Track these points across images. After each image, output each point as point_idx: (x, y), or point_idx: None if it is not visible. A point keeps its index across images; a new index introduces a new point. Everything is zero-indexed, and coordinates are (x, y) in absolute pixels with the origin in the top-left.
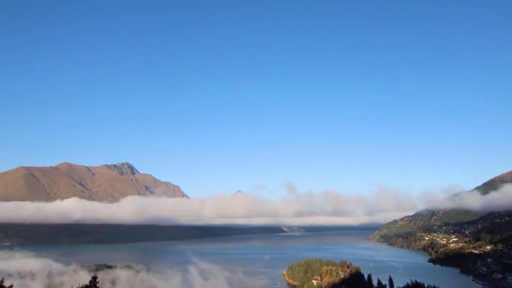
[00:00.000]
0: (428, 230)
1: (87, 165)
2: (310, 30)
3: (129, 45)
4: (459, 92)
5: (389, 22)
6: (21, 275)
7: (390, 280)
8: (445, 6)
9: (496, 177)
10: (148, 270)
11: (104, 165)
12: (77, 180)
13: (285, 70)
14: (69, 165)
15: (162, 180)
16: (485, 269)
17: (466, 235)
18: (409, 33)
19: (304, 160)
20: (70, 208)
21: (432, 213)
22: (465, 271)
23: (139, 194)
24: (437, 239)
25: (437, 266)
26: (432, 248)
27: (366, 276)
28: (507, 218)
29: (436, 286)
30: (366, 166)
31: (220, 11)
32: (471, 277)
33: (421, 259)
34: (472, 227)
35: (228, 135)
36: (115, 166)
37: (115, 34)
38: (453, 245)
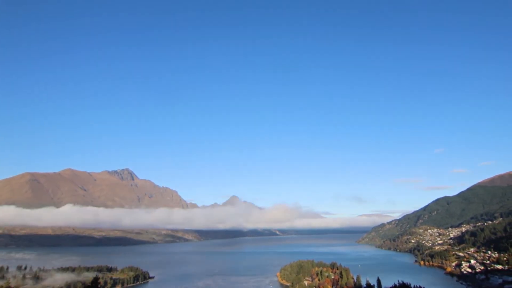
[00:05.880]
0: (415, 233)
1: (89, 171)
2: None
3: (129, 55)
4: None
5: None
6: (25, 276)
7: (378, 281)
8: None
9: (477, 184)
10: (148, 272)
11: (105, 171)
12: (79, 185)
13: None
14: (72, 171)
15: (161, 185)
16: (469, 270)
17: (451, 238)
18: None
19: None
20: (72, 212)
21: (418, 216)
22: (450, 272)
23: (138, 199)
24: (423, 242)
25: (423, 268)
26: (418, 250)
27: (355, 277)
28: (490, 222)
29: (422, 287)
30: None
31: (219, 20)
32: (455, 278)
33: (408, 261)
34: (456, 230)
35: (225, 141)
36: (115, 172)
37: (116, 43)
38: (438, 247)
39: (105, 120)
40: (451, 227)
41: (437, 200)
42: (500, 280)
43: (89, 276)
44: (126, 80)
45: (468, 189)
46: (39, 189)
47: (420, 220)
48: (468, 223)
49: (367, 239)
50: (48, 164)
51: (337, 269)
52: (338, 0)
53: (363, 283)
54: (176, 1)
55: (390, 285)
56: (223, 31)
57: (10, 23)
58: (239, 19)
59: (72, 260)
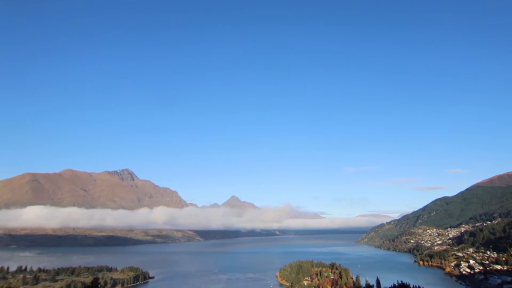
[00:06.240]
0: (414, 233)
1: (89, 171)
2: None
3: (129, 55)
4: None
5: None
6: (25, 276)
7: (378, 281)
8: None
9: (476, 184)
10: (148, 272)
11: (105, 171)
12: (79, 186)
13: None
14: (72, 171)
15: (161, 186)
16: (468, 270)
17: (450, 238)
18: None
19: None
20: (73, 212)
21: (417, 217)
22: (449, 273)
23: (138, 199)
24: (422, 242)
25: (422, 268)
26: (417, 251)
27: (354, 277)
28: (489, 222)
29: (421, 287)
30: None
31: (219, 20)
32: (454, 278)
33: (407, 261)
34: (455, 231)
35: (225, 141)
36: (115, 172)
37: (116, 43)
38: (437, 247)
39: (105, 120)
40: (450, 227)
41: (436, 200)
42: (499, 280)
43: (89, 276)
44: (126, 80)
45: (467, 190)
46: (39, 190)
47: (419, 221)
48: (467, 224)
49: (366, 239)
50: (48, 164)
51: (337, 269)
52: (338, 0)
53: (363, 283)
54: (176, 1)
55: (389, 285)
56: (223, 31)
57: (11, 23)
58: (239, 19)
59: (72, 260)
